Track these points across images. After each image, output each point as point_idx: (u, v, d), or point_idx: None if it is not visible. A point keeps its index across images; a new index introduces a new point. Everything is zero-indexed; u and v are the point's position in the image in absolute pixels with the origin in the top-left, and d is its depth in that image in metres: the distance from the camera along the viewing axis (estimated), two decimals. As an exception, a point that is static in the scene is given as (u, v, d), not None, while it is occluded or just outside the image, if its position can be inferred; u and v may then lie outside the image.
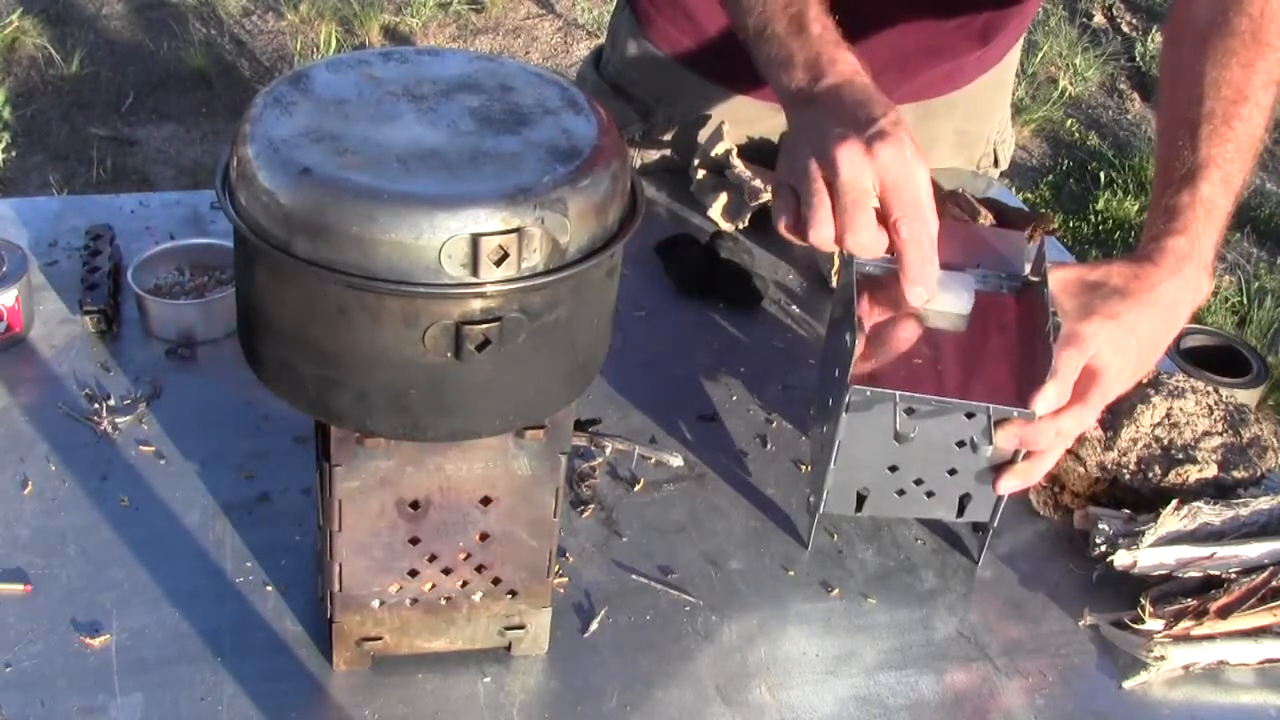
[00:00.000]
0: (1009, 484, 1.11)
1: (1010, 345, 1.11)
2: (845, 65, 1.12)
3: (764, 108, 1.59)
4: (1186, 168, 1.14)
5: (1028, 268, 1.16)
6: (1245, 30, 1.20)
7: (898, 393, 1.05)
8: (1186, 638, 1.11)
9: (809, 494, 1.20)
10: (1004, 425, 1.06)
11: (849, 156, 1.03)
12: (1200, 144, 1.15)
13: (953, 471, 1.11)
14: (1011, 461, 1.10)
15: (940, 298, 1.10)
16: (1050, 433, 1.07)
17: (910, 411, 1.06)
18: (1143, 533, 1.14)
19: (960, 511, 1.15)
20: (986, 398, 1.05)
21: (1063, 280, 1.11)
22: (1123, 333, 1.08)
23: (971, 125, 1.74)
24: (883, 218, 1.05)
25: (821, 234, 1.05)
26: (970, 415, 1.06)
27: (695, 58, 1.64)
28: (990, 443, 1.05)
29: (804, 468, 1.26)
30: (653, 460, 1.24)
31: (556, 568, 1.04)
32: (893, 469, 1.12)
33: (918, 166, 1.05)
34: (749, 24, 1.18)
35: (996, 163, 1.81)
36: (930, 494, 1.13)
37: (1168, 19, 1.30)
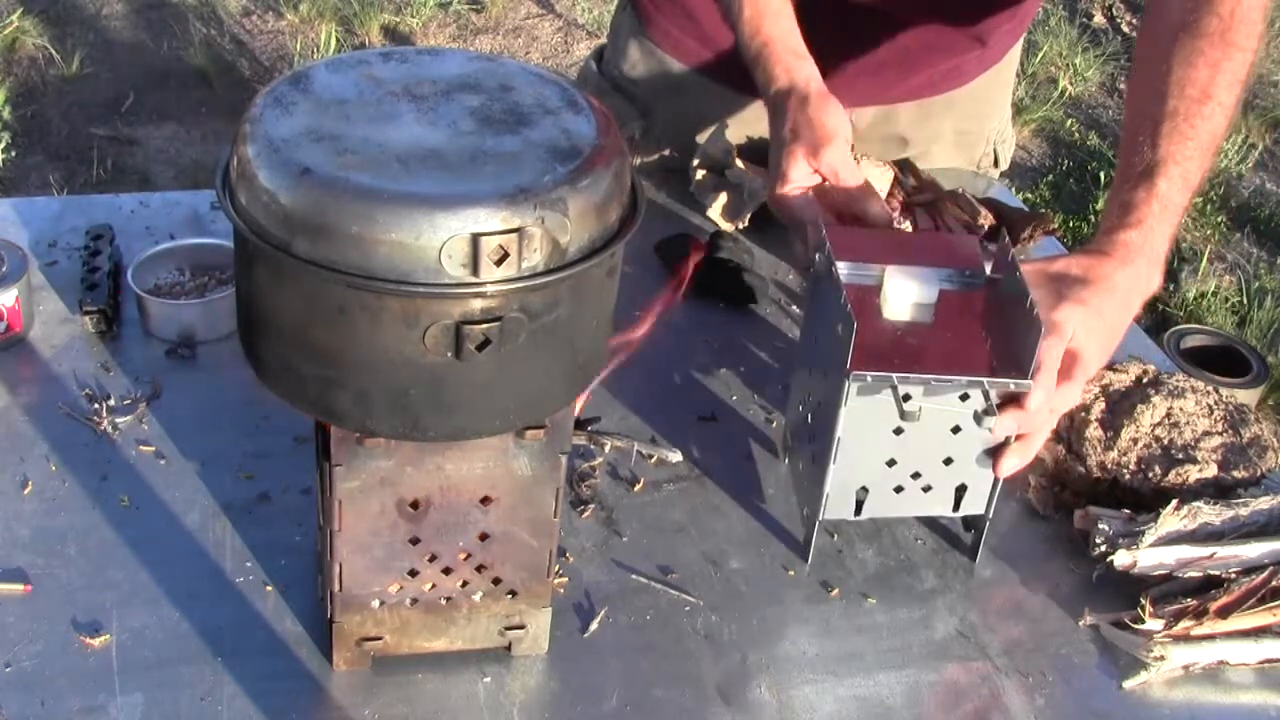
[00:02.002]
0: (1010, 464, 1.13)
1: (990, 327, 1.13)
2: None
3: (764, 107, 1.59)
4: (1145, 164, 1.19)
5: (988, 268, 1.17)
6: (1214, 31, 1.23)
7: (895, 375, 1.06)
8: (1186, 638, 1.11)
9: (803, 507, 1.20)
10: (1002, 412, 1.08)
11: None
12: (1161, 141, 1.19)
13: (949, 461, 1.12)
14: (1006, 444, 1.12)
15: (908, 288, 1.13)
16: (1045, 413, 1.11)
17: (907, 398, 1.07)
18: (1143, 533, 1.14)
19: (957, 505, 1.15)
20: (982, 374, 1.08)
21: (1025, 274, 1.14)
22: (1092, 316, 1.12)
23: (971, 125, 1.75)
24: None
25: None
26: (964, 398, 1.08)
27: (696, 57, 1.64)
28: (994, 415, 1.07)
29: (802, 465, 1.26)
30: (653, 459, 1.24)
31: (556, 568, 1.04)
32: (890, 463, 1.12)
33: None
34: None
35: (996, 163, 1.81)
36: (927, 488, 1.13)
37: (1143, 18, 1.32)
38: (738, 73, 1.60)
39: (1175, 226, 1.19)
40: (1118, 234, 1.17)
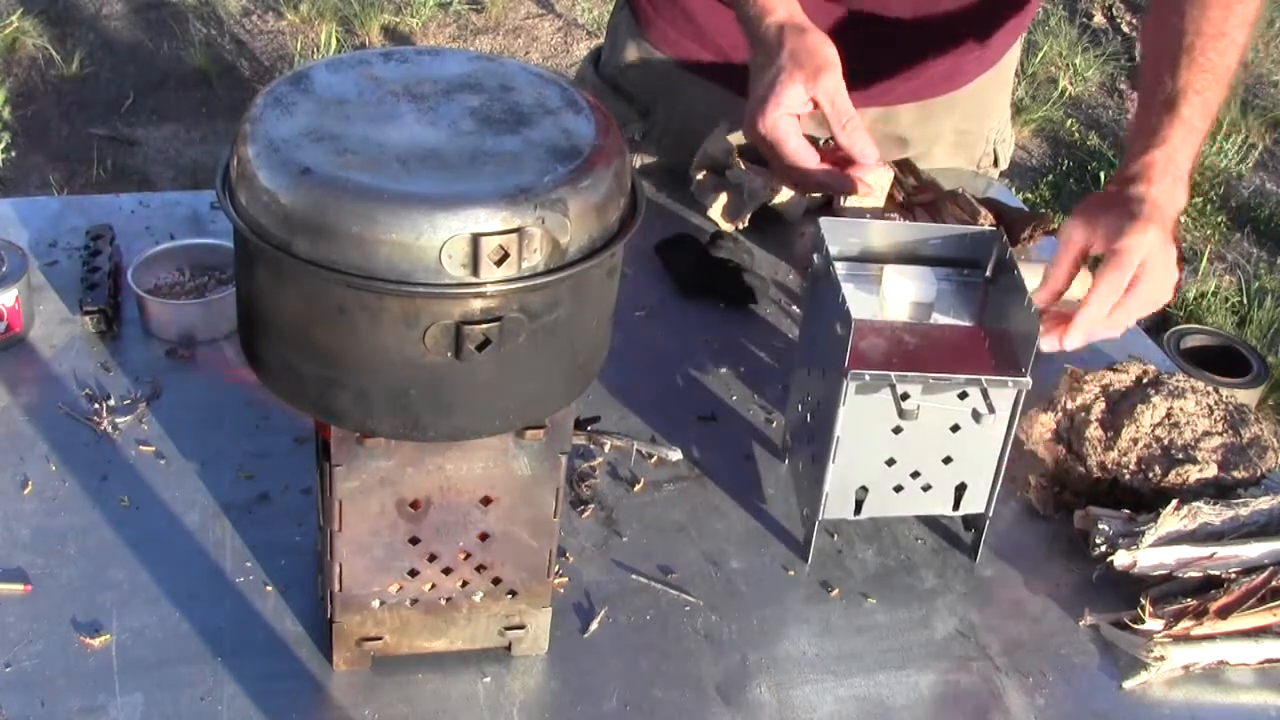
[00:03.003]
0: (1074, 337, 1.17)
1: (986, 329, 1.14)
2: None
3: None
4: (1166, 94, 1.25)
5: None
6: None
7: (893, 374, 1.06)
8: (1186, 638, 1.11)
9: (803, 507, 1.20)
10: (1073, 328, 1.15)
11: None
12: (1180, 72, 1.26)
13: (948, 460, 1.12)
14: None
15: (906, 287, 1.13)
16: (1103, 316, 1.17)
17: (905, 397, 1.07)
18: (1143, 533, 1.14)
19: (956, 504, 1.15)
20: (980, 373, 1.08)
21: (1079, 212, 1.21)
22: (1160, 242, 1.17)
23: (971, 125, 1.75)
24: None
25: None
26: (963, 396, 1.08)
27: (695, 58, 1.63)
28: (993, 413, 1.07)
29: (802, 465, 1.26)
30: (653, 459, 1.24)
31: (556, 568, 1.04)
32: (890, 462, 1.12)
33: None
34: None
35: (996, 162, 1.81)
36: (927, 488, 1.13)
37: None
38: (737, 74, 1.60)
39: (1197, 150, 1.25)
40: (1143, 157, 1.23)
